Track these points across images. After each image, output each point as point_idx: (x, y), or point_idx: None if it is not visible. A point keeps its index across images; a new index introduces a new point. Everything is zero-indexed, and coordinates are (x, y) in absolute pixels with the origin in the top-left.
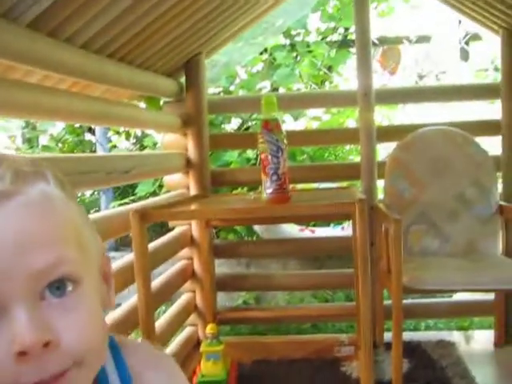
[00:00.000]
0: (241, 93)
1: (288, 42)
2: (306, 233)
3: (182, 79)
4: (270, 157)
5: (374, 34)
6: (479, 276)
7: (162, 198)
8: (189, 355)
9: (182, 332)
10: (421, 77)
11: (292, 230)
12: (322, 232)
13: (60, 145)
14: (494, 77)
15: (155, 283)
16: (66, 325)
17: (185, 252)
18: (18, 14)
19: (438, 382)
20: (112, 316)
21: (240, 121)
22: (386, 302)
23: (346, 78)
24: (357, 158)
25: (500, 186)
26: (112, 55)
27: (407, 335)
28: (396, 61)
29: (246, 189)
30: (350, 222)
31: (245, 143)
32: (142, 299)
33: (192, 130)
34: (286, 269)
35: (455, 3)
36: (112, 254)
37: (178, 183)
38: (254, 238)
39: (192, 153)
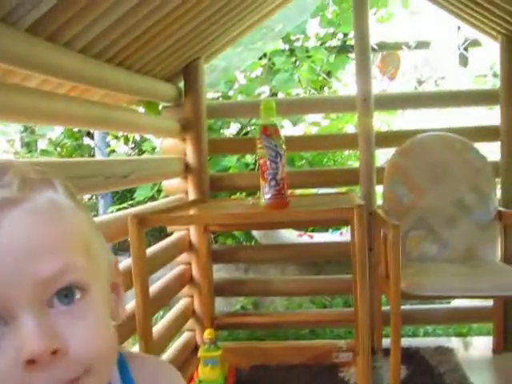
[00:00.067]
0: (240, 98)
1: (287, 47)
2: (305, 238)
3: (181, 84)
4: (268, 162)
5: (373, 39)
6: (478, 282)
7: (160, 202)
8: (186, 360)
9: (179, 337)
10: (420, 82)
11: (290, 235)
12: (320, 237)
13: (59, 149)
14: (493, 83)
15: (153, 288)
16: (73, 332)
17: (183, 257)
18: (16, 19)
19: None
20: None
21: (239, 126)
22: (385, 308)
23: (345, 84)
24: (355, 164)
25: (499, 192)
26: (111, 60)
27: (405, 341)
28: (395, 66)
29: (244, 194)
30: (349, 227)
31: (243, 148)
32: (139, 304)
33: (191, 134)
34: (284, 274)
35: (454, 9)
36: None
37: (177, 188)
38: (253, 243)
39: (191, 158)
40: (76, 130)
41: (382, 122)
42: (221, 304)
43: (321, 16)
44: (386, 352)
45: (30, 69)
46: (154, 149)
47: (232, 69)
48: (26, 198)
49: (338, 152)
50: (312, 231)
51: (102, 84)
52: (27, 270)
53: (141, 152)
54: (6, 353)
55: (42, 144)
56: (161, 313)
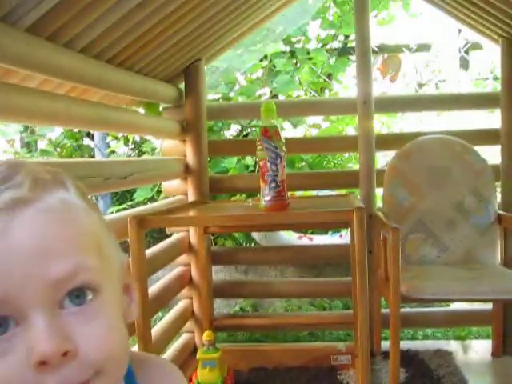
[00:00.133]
0: (240, 99)
1: (288, 48)
2: (304, 240)
3: (182, 85)
4: (268, 164)
5: (374, 42)
6: (477, 286)
7: (160, 203)
8: (185, 362)
9: (178, 339)
10: (420, 85)
11: (290, 237)
12: (320, 240)
13: (58, 149)
14: (494, 86)
15: (152, 289)
16: (85, 334)
17: (182, 258)
18: (16, 18)
19: None
20: None
21: (239, 127)
22: (384, 311)
23: (346, 86)
24: (356, 166)
25: (499, 196)
26: (111, 60)
27: (405, 344)
28: (396, 69)
29: (244, 196)
30: (349, 229)
31: (244, 150)
32: (138, 305)
33: (191, 136)
34: (283, 276)
35: (455, 12)
36: None
37: (177, 189)
38: (252, 245)
39: (191, 159)
40: (76, 130)
41: (383, 124)
42: (220, 306)
43: (322, 18)
44: (385, 355)
45: (30, 69)
46: (153, 150)
47: (233, 70)
48: (37, 198)
49: (338, 154)
50: (312, 233)
51: (102, 84)
52: (39, 271)
53: (141, 153)
54: (17, 353)
55: (42, 144)
56: (160, 314)
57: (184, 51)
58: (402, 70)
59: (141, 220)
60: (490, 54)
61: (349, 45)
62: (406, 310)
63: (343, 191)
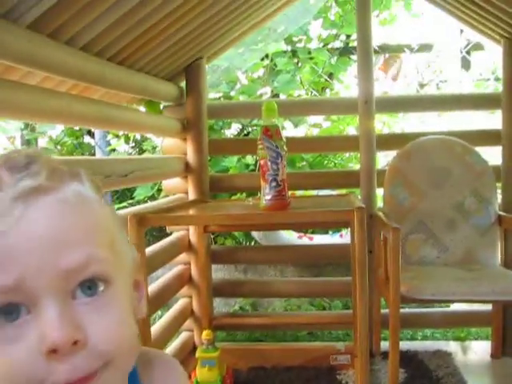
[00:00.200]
0: (241, 98)
1: (289, 48)
2: (305, 240)
3: (183, 84)
4: (269, 163)
5: (376, 41)
6: (477, 286)
7: (160, 202)
8: (184, 361)
9: (177, 337)
10: (422, 85)
11: (290, 236)
12: (320, 239)
13: (59, 147)
14: (495, 87)
15: (152, 288)
16: (95, 324)
17: (182, 257)
18: (18, 15)
19: None
20: None
21: (240, 126)
22: (384, 311)
23: (347, 86)
24: (356, 166)
25: (499, 197)
26: (112, 58)
27: (404, 345)
28: (397, 69)
29: (244, 195)
30: (349, 229)
31: (244, 149)
32: None
33: (191, 134)
34: (283, 275)
35: (457, 12)
36: None
37: (177, 188)
38: (252, 244)
39: (191, 157)
40: (77, 128)
41: (384, 124)
42: (219, 304)
43: (323, 17)
44: (385, 355)
45: (32, 66)
46: (154, 148)
47: (234, 69)
48: (54, 188)
49: (339, 154)
50: (312, 233)
51: (104, 82)
52: (52, 260)
53: (141, 151)
54: (28, 340)
55: (43, 142)
56: (159, 312)
57: (185, 50)
58: (402, 71)
59: (141, 218)
60: (492, 55)
61: (350, 44)
62: (405, 310)
63: (344, 191)
